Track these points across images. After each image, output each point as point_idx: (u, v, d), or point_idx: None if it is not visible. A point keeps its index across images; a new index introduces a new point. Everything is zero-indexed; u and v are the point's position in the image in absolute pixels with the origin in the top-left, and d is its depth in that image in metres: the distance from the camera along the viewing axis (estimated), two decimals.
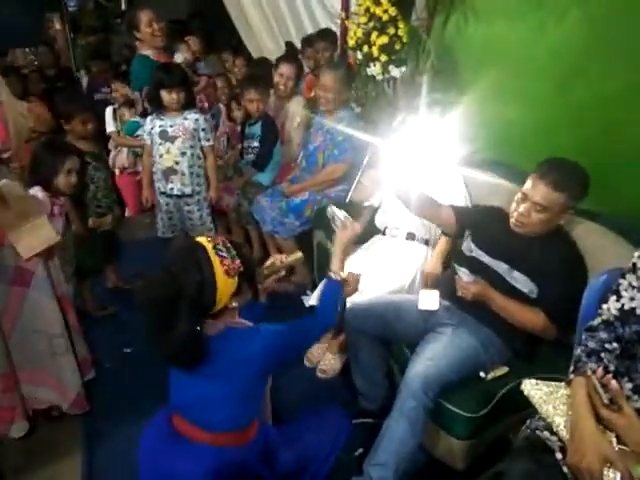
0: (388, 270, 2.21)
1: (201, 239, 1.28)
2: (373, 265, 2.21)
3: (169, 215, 2.85)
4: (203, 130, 2.71)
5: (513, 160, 2.35)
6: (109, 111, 3.27)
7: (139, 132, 3.04)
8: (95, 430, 2.03)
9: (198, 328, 1.24)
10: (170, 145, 2.67)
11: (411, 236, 2.31)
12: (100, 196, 2.55)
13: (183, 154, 2.68)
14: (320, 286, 2.10)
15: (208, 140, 2.75)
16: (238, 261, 1.26)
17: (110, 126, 3.27)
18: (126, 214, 3.38)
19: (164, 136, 2.68)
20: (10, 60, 5.37)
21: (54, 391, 2.00)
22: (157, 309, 1.21)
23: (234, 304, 1.29)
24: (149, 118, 2.74)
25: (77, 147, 2.17)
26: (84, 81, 5.23)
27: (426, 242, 2.30)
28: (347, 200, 2.58)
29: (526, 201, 1.68)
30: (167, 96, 2.60)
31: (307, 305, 2.78)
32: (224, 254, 1.24)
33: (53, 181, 1.98)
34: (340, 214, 1.74)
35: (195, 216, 2.84)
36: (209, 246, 1.24)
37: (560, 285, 1.66)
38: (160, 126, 2.68)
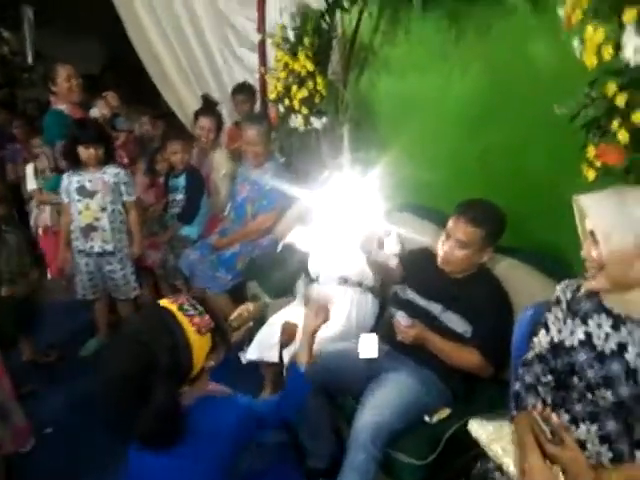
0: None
1: (164, 302, 1.21)
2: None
3: (90, 276, 2.69)
4: (125, 184, 2.63)
5: (433, 203, 2.48)
6: (30, 168, 3.10)
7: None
8: None
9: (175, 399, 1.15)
10: (89, 201, 2.57)
11: (343, 280, 2.30)
12: (12, 262, 2.36)
13: (103, 210, 2.59)
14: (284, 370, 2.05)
15: (130, 195, 2.67)
16: (207, 316, 1.20)
17: (31, 184, 3.08)
18: (48, 276, 3.15)
19: (82, 192, 2.57)
20: None
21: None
22: (129, 384, 1.11)
23: (211, 363, 1.22)
24: (65, 175, 2.63)
25: None
26: None
27: (359, 284, 2.29)
28: (278, 250, 2.57)
29: (449, 239, 1.81)
30: (84, 152, 2.52)
31: (244, 361, 2.70)
32: (192, 312, 1.18)
33: None
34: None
35: (118, 275, 2.70)
36: (174, 307, 1.18)
37: (488, 321, 1.75)
38: (77, 182, 2.57)
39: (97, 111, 2.92)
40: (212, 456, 1.20)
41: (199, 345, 1.16)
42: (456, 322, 1.79)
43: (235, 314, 1.55)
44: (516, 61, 2.03)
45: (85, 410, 2.33)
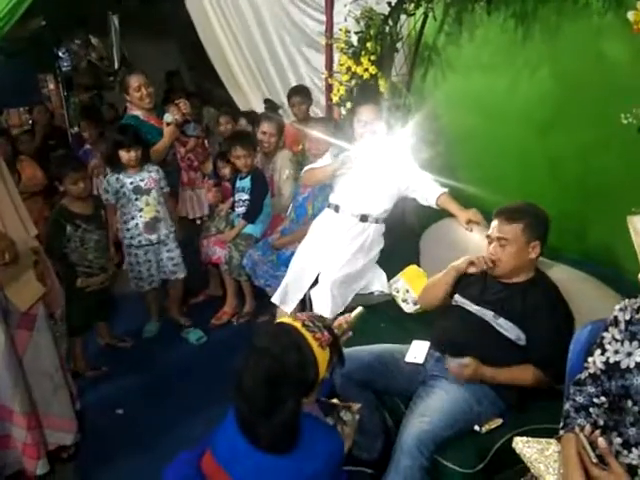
0: (344, 251, 2.45)
1: (286, 319, 1.33)
2: (329, 245, 2.44)
3: (147, 266, 2.93)
4: (163, 179, 2.90)
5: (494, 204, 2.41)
6: None
7: None
8: None
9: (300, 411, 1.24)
10: (147, 197, 2.81)
11: (364, 218, 2.50)
12: (91, 257, 2.57)
13: (159, 203, 2.86)
14: None
15: (166, 187, 2.95)
16: (326, 332, 1.30)
17: None
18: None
19: (139, 191, 2.79)
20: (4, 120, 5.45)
21: (60, 430, 2.03)
22: (262, 392, 1.21)
23: (327, 375, 1.31)
24: (113, 178, 2.81)
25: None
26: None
27: (376, 221, 2.52)
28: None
29: (492, 242, 1.82)
30: (125, 155, 2.74)
31: None
32: (314, 329, 1.28)
33: None
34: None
35: (173, 255, 2.98)
36: (298, 324, 1.29)
37: (545, 331, 1.71)
38: (131, 183, 2.79)
39: (170, 117, 3.05)
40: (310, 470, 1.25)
41: (322, 358, 1.27)
42: (509, 329, 1.76)
43: (335, 325, 1.61)
44: (586, 62, 1.96)
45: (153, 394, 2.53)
